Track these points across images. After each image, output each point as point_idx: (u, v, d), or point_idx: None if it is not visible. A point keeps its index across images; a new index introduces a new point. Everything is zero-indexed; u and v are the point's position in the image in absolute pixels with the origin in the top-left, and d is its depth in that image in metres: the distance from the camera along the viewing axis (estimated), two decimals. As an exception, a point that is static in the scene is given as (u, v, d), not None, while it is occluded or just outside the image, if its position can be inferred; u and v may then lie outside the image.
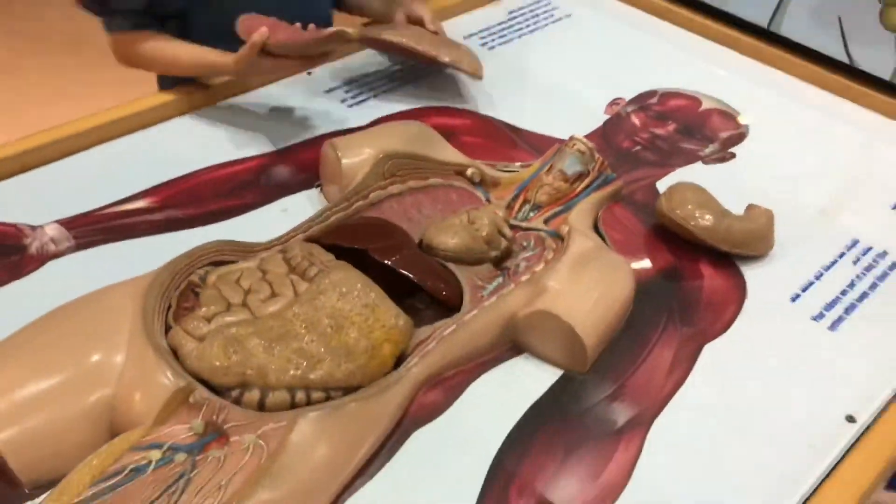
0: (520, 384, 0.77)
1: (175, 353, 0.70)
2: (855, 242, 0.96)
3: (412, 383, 0.74)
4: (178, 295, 0.75)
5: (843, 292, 0.90)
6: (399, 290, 0.78)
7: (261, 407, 0.67)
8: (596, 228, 0.94)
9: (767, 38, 1.30)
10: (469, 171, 0.96)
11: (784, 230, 0.95)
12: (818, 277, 0.91)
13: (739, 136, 1.14)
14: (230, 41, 0.98)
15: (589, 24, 1.36)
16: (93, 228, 0.89)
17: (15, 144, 0.96)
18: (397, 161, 0.93)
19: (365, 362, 0.71)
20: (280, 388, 0.68)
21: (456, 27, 1.27)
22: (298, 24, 0.97)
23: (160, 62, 1.07)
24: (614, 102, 1.18)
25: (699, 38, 1.34)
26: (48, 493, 0.61)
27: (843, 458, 0.73)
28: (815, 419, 0.76)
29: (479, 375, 0.78)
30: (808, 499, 0.70)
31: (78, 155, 0.99)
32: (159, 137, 1.04)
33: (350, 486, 0.67)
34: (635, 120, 1.15)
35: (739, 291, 0.89)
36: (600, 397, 0.76)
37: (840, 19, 1.24)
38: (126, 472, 0.61)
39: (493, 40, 1.30)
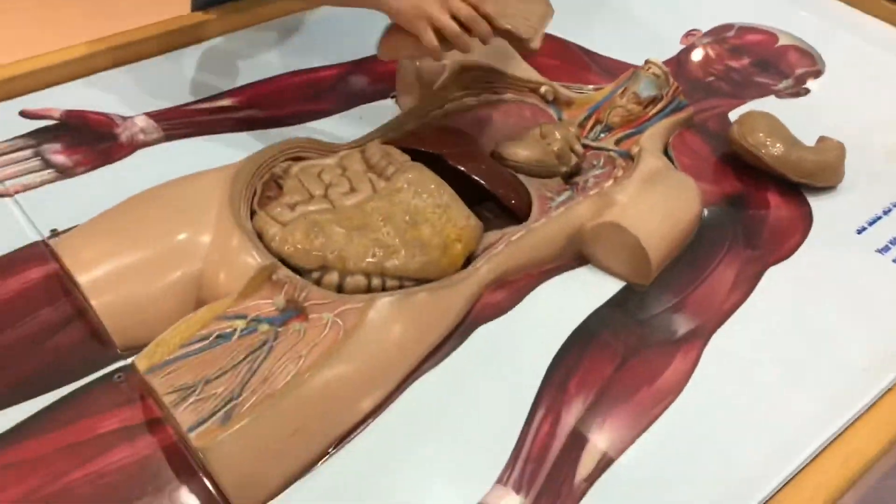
0: (583, 292, 0.80)
1: (259, 236, 0.73)
2: (925, 183, 0.96)
3: (479, 282, 0.77)
4: (263, 184, 0.79)
5: (912, 226, 0.90)
6: (469, 196, 0.81)
7: (339, 289, 0.71)
8: (666, 152, 0.95)
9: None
10: (543, 89, 0.98)
11: (853, 166, 0.95)
12: (886, 212, 0.91)
13: (815, 73, 1.13)
14: None
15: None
16: (180, 122, 0.93)
17: (108, 40, 1.00)
18: (473, 74, 0.95)
19: (437, 257, 0.74)
20: (358, 272, 0.71)
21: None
22: None
23: None
24: (690, 33, 1.18)
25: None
26: (140, 352, 0.66)
27: (896, 384, 0.75)
28: (873, 348, 0.77)
29: (543, 281, 0.80)
30: (856, 419, 0.71)
31: (169, 54, 1.03)
32: (242, 43, 1.07)
33: (417, 370, 0.71)
34: (710, 52, 1.15)
35: (805, 221, 0.90)
36: (662, 308, 0.79)
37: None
38: (213, 337, 0.66)
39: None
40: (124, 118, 0.93)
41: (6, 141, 0.89)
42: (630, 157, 0.89)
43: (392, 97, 1.00)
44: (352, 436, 0.66)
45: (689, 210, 0.84)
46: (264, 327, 0.66)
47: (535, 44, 0.83)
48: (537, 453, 0.66)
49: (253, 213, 0.76)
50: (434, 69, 0.94)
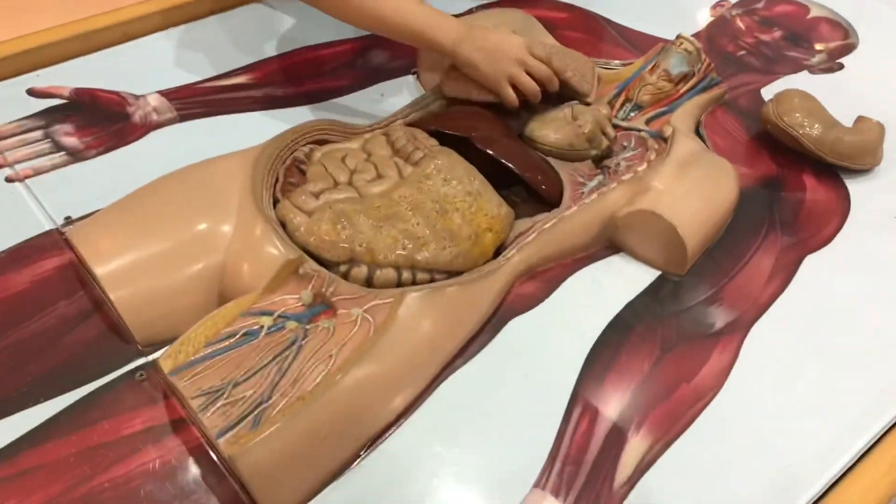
0: (616, 281, 0.77)
1: (283, 225, 0.71)
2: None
3: (511, 272, 0.74)
4: (285, 170, 0.76)
5: (952, 212, 0.87)
6: (497, 180, 0.78)
7: (368, 283, 0.68)
8: (697, 132, 0.92)
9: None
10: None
11: (892, 145, 0.91)
12: (926, 196, 0.89)
13: (848, 47, 1.09)
14: None
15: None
16: (194, 101, 0.90)
17: (116, 14, 0.96)
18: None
19: (468, 248, 0.72)
20: (387, 265, 0.68)
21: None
22: None
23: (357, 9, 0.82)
24: (719, 4, 1.14)
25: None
26: (164, 349, 0.64)
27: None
28: (916, 338, 0.75)
29: (575, 271, 0.78)
30: (905, 414, 0.69)
31: (180, 27, 0.99)
32: (257, 15, 1.03)
33: (450, 365, 0.68)
34: (740, 24, 1.11)
35: (843, 205, 0.87)
36: (698, 299, 0.76)
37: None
38: (239, 335, 0.63)
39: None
40: (136, 97, 0.89)
41: (14, 122, 0.85)
42: (662, 139, 0.86)
43: (413, 73, 0.97)
44: (383, 437, 0.64)
45: (726, 196, 0.81)
46: (292, 324, 0.64)
47: (591, 98, 0.90)
48: (575, 454, 0.64)
49: (275, 201, 0.73)
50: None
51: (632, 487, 0.63)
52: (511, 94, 0.83)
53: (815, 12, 1.14)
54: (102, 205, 0.74)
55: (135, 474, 0.60)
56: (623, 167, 0.83)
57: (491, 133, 0.82)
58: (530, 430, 0.65)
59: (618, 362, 0.70)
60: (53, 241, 0.74)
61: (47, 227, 0.76)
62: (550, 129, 0.83)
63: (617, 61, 0.99)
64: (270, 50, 0.97)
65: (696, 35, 1.07)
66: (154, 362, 0.66)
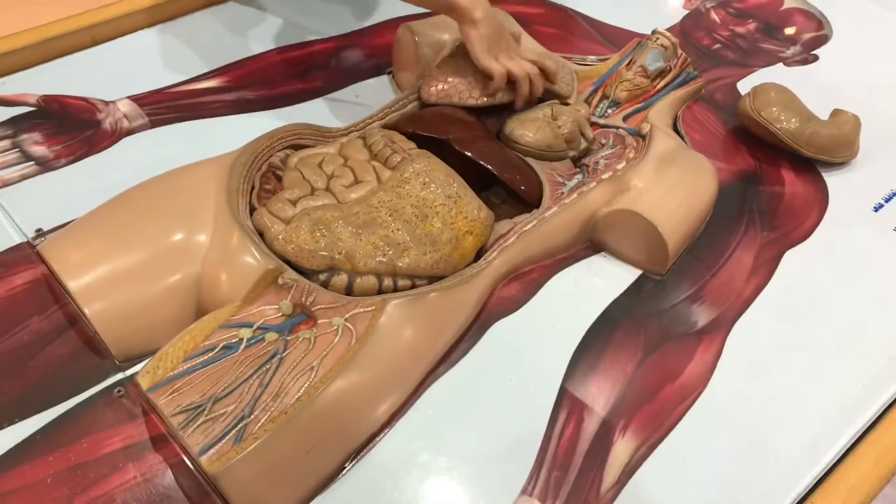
0: (598, 282, 0.77)
1: (260, 234, 0.69)
2: (940, 153, 0.94)
3: (492, 276, 0.74)
4: (261, 176, 0.74)
5: (928, 204, 0.88)
6: (476, 182, 0.77)
7: (348, 291, 0.67)
8: (675, 127, 0.92)
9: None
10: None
11: (867, 137, 0.92)
12: (902, 188, 0.89)
13: (822, 38, 1.09)
14: None
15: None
16: (166, 106, 0.88)
17: (83, 17, 0.94)
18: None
19: (448, 252, 0.71)
20: (368, 273, 0.67)
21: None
22: None
23: None
24: (693, -3, 1.14)
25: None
26: (142, 364, 0.62)
27: (921, 369, 0.73)
28: None
29: (557, 272, 0.77)
30: (889, 407, 0.70)
31: (148, 30, 0.97)
32: (227, 16, 1.01)
33: (434, 371, 0.68)
34: (715, 16, 1.11)
35: (821, 199, 0.87)
36: (680, 298, 0.76)
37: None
38: (218, 348, 0.62)
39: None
40: (106, 103, 0.87)
41: (-21, 131, 0.83)
42: (641, 136, 0.86)
43: (388, 73, 0.96)
44: (369, 447, 0.63)
45: (705, 193, 0.81)
46: (272, 336, 0.63)
47: (572, 100, 0.89)
48: (562, 459, 0.63)
49: (252, 209, 0.72)
50: (434, 44, 0.90)
51: (619, 490, 0.62)
52: (499, 68, 0.81)
53: (788, 3, 1.15)
54: (74, 215, 0.72)
55: (116, 494, 0.59)
56: (602, 166, 0.83)
57: (469, 134, 0.81)
58: (516, 436, 0.65)
59: (602, 364, 0.70)
60: (24, 255, 0.72)
61: (18, 240, 0.74)
62: (530, 129, 0.82)
63: (593, 57, 0.99)
64: (242, 52, 0.95)
65: (672, 29, 1.07)
66: (132, 378, 0.65)
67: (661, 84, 0.93)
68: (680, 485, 0.63)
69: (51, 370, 0.65)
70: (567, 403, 0.67)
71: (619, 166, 0.82)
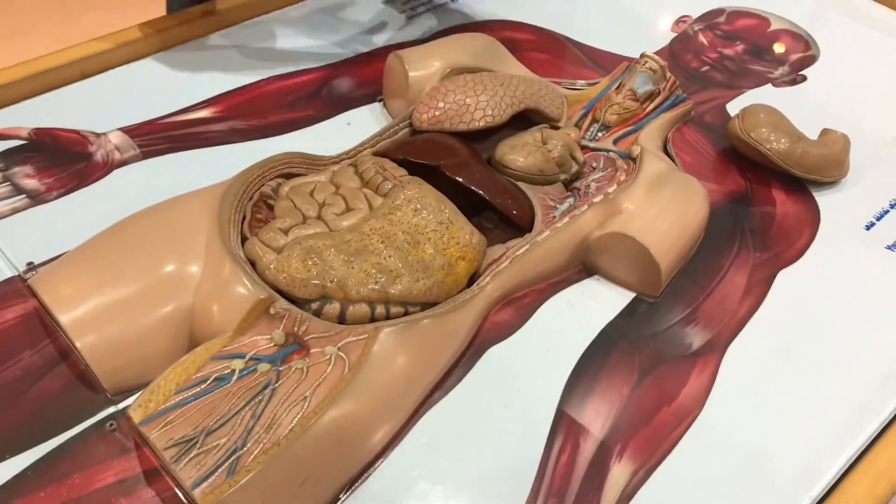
0: (592, 305, 0.77)
1: (252, 264, 0.69)
2: (930, 171, 0.94)
3: (485, 301, 0.73)
4: (252, 206, 0.74)
5: (919, 221, 0.88)
6: (467, 207, 0.77)
7: (341, 320, 0.67)
8: (666, 150, 0.92)
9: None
10: (536, 88, 0.94)
11: (857, 156, 0.92)
12: (893, 206, 0.89)
13: (810, 59, 1.10)
14: None
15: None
16: (157, 137, 0.88)
17: (73, 51, 0.94)
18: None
19: (441, 278, 0.71)
20: (360, 300, 0.67)
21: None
22: None
23: None
24: (681, 20, 1.15)
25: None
26: (134, 397, 0.62)
27: (918, 388, 0.73)
28: (891, 349, 0.75)
29: (550, 296, 0.77)
30: (885, 428, 0.69)
31: (138, 62, 0.97)
32: (217, 46, 1.02)
33: (429, 399, 0.67)
34: (703, 39, 1.12)
35: (813, 218, 0.87)
36: (674, 320, 0.76)
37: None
38: (210, 380, 0.61)
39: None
40: (97, 135, 0.87)
41: (-29, 166, 0.83)
42: (631, 159, 0.86)
43: (379, 100, 0.96)
44: (364, 477, 0.62)
45: (696, 214, 0.81)
46: (264, 367, 0.62)
47: (562, 123, 0.90)
48: (559, 485, 0.63)
49: (244, 239, 0.72)
50: (424, 72, 0.90)
51: (617, 517, 0.62)
52: None
53: (775, 25, 1.15)
54: (66, 248, 0.72)
55: (108, 530, 0.58)
56: (593, 189, 0.83)
57: (460, 160, 0.81)
58: (513, 462, 0.64)
59: (597, 388, 0.70)
60: (16, 288, 0.72)
61: (9, 274, 0.74)
62: (520, 153, 0.82)
63: (582, 81, 0.99)
64: (232, 82, 0.96)
65: (660, 52, 1.08)
66: (124, 411, 0.64)
67: (651, 107, 0.93)
68: (678, 509, 0.63)
69: (42, 405, 0.65)
70: (563, 428, 0.67)
71: (611, 189, 0.82)
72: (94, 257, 0.70)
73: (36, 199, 0.81)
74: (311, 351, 0.64)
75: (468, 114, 0.84)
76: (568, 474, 0.64)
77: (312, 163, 0.81)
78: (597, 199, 0.81)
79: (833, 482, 0.65)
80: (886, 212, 0.88)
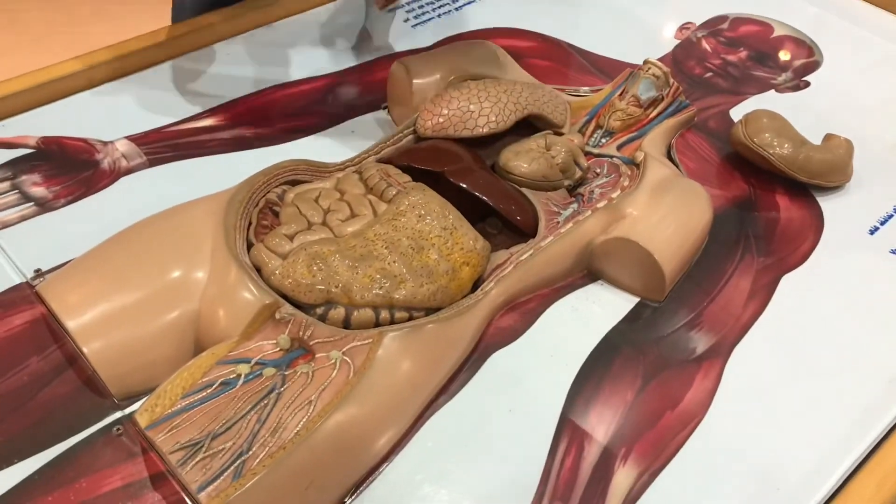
0: (596, 310, 0.77)
1: (258, 270, 0.70)
2: (934, 175, 0.94)
3: (490, 306, 0.74)
4: (258, 212, 0.75)
5: (923, 226, 0.88)
6: (471, 213, 0.77)
7: (346, 325, 0.67)
8: (669, 156, 0.93)
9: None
10: (540, 95, 0.94)
11: (860, 161, 0.92)
12: (897, 210, 0.90)
13: (813, 65, 1.10)
14: None
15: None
16: (163, 145, 0.89)
17: (80, 60, 0.95)
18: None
19: (445, 283, 0.71)
20: (365, 305, 0.68)
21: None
22: None
23: None
24: (684, 27, 1.15)
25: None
26: (141, 402, 0.62)
27: (923, 391, 0.73)
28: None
29: (554, 301, 0.77)
30: (889, 432, 0.69)
31: (145, 71, 0.98)
32: (223, 56, 1.02)
33: (433, 403, 0.68)
34: (706, 45, 1.12)
35: (817, 223, 0.87)
36: (679, 324, 0.76)
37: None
38: (216, 385, 0.62)
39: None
40: (104, 143, 0.88)
41: (-21, 175, 0.84)
42: (635, 164, 0.86)
43: (384, 108, 0.97)
44: (368, 481, 0.63)
45: (700, 219, 0.81)
46: (270, 371, 0.63)
47: (566, 129, 0.90)
48: (563, 491, 0.63)
49: (250, 245, 0.72)
50: (428, 79, 0.90)
51: (621, 521, 0.62)
52: None
53: (779, 31, 1.16)
54: (73, 255, 0.72)
55: (115, 533, 0.59)
56: (597, 194, 0.83)
57: (464, 166, 0.81)
58: (517, 467, 0.65)
59: (601, 392, 0.70)
60: (23, 295, 0.73)
61: (17, 280, 0.74)
62: (524, 160, 0.83)
63: (585, 88, 1.00)
64: (238, 90, 0.96)
65: (663, 58, 1.08)
66: (131, 416, 0.65)
67: (654, 113, 0.94)
68: (682, 513, 0.63)
69: (50, 410, 0.65)
70: (567, 433, 0.67)
71: (614, 195, 0.82)
72: (101, 264, 0.71)
73: (43, 206, 0.81)
74: (317, 355, 0.64)
75: (472, 120, 0.84)
76: (572, 478, 0.64)
77: (317, 170, 0.81)
78: (601, 205, 0.81)
79: (838, 486, 0.65)
80: (890, 216, 0.89)
